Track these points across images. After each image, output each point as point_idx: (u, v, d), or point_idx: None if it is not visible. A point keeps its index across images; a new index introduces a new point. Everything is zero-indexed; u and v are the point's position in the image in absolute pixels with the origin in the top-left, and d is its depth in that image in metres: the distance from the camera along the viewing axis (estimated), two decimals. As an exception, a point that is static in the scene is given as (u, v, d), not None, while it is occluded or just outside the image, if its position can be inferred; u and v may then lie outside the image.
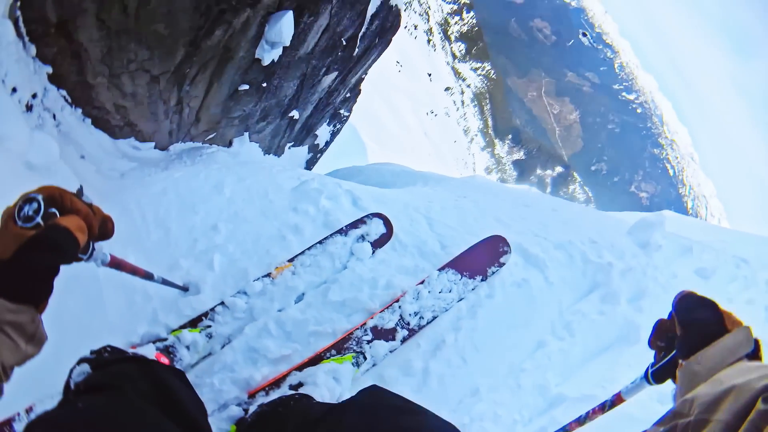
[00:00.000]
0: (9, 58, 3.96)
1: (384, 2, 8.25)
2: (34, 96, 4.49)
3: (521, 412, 2.05)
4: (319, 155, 14.76)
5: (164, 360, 1.77)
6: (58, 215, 0.86)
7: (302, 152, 12.99)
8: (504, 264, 2.48)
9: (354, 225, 2.52)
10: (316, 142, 14.12)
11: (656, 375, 0.99)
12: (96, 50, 4.85)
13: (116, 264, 1.31)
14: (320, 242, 2.40)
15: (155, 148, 6.85)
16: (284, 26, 5.59)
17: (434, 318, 2.19)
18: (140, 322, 2.01)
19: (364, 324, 2.08)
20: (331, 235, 2.44)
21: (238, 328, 2.06)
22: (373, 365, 2.02)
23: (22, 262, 0.77)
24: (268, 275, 2.25)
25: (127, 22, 4.63)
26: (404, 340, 2.10)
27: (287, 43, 5.92)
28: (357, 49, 9.25)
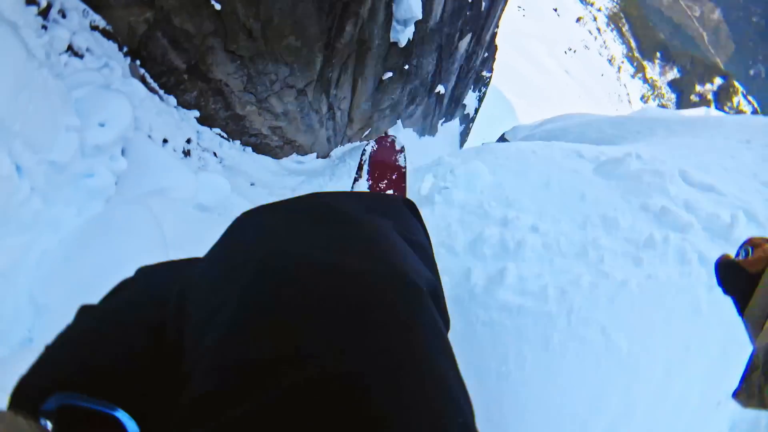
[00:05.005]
0: (148, 113, 4.03)
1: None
2: (188, 141, 4.61)
3: None
4: (471, 124, 14.05)
5: None
6: None
7: (454, 126, 12.55)
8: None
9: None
10: (465, 112, 13.68)
11: None
12: (236, 82, 4.87)
13: None
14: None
15: (318, 157, 7.05)
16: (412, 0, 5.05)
17: None
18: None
19: None
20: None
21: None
22: None
23: None
24: None
25: (257, 46, 4.53)
26: None
27: (420, 16, 5.41)
28: (484, 3, 8.43)
